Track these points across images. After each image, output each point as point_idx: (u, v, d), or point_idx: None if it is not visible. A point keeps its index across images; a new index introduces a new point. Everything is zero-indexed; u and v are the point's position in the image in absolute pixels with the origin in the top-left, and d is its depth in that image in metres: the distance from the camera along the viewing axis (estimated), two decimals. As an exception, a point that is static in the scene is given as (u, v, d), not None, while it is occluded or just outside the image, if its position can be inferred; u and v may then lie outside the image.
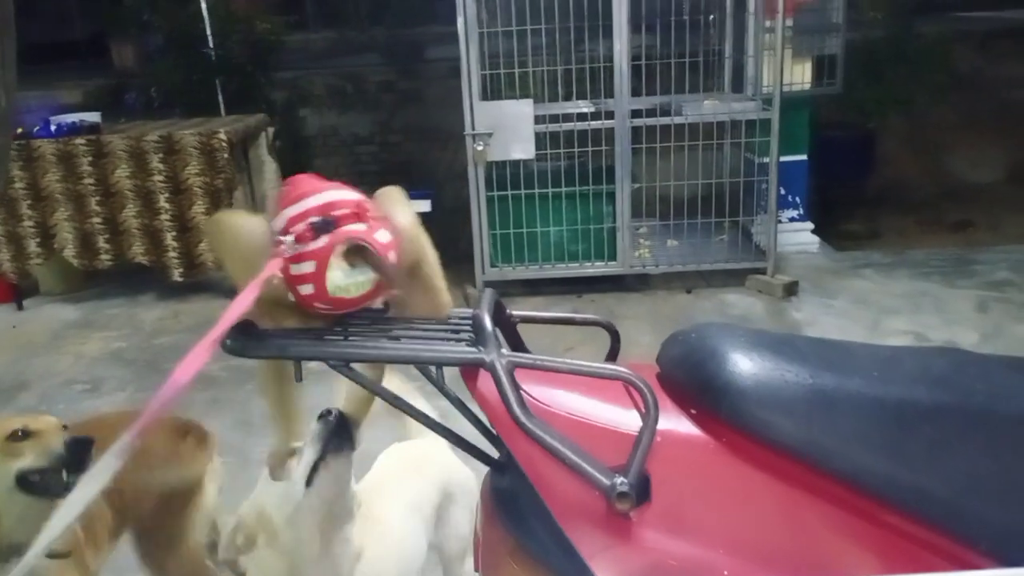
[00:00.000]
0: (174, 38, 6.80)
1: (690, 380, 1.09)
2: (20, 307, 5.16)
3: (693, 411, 1.09)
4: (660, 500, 1.01)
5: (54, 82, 7.07)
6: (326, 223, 1.10)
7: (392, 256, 1.12)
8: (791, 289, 4.83)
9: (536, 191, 4.86)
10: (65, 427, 1.65)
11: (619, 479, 0.99)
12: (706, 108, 4.97)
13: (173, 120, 5.62)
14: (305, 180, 1.19)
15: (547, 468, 1.03)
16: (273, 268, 1.09)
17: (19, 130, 4.96)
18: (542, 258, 4.99)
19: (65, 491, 1.53)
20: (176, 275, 5.02)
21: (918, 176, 6.99)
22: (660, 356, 1.20)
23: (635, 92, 4.84)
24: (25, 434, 1.60)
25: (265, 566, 1.52)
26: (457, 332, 1.21)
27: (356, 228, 1.10)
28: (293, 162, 6.15)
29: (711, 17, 5.05)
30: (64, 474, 1.56)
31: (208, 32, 6.38)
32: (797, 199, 5.57)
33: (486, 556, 1.20)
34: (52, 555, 1.61)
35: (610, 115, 4.83)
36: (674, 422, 1.06)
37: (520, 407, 1.03)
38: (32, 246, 5.00)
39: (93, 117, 5.18)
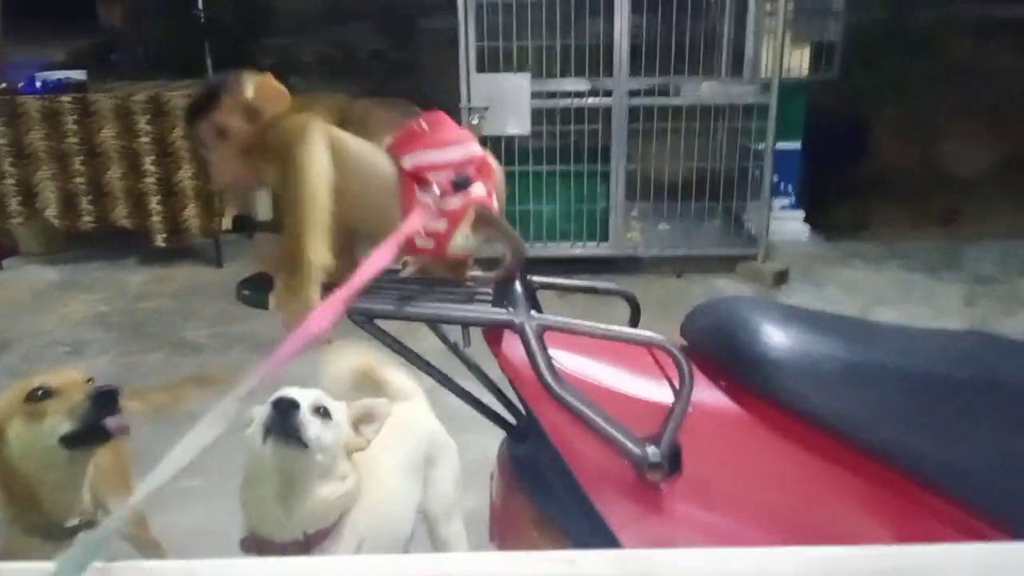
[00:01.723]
0: (163, -1, 6.66)
1: (722, 351, 1.06)
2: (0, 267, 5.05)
3: (722, 383, 1.06)
4: (691, 472, 0.99)
5: (38, 38, 6.89)
6: (463, 181, 1.09)
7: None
8: (781, 277, 4.83)
9: (530, 168, 4.81)
10: (90, 380, 1.56)
11: (651, 449, 0.97)
12: (704, 90, 4.94)
13: (161, 82, 5.50)
14: (448, 123, 1.15)
15: (575, 436, 1.00)
16: (416, 224, 1.05)
17: (3, 85, 4.84)
18: (533, 236, 4.94)
19: (96, 440, 1.49)
20: (159, 240, 4.93)
21: (909, 166, 7.00)
22: (685, 327, 1.18)
23: (633, 72, 4.79)
24: (46, 393, 1.51)
25: (246, 502, 1.58)
26: (473, 296, 1.18)
27: (479, 192, 1.11)
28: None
29: (713, -2, 5.00)
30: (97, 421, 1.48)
31: (199, -7, 6.25)
32: (789, 187, 5.57)
33: (504, 525, 1.17)
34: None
35: (607, 93, 4.78)
36: (704, 393, 1.04)
37: (550, 372, 1.00)
38: (13, 205, 4.88)
39: (79, 75, 5.05)
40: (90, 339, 4.09)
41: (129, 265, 5.12)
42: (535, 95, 4.74)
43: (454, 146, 1.11)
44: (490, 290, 1.21)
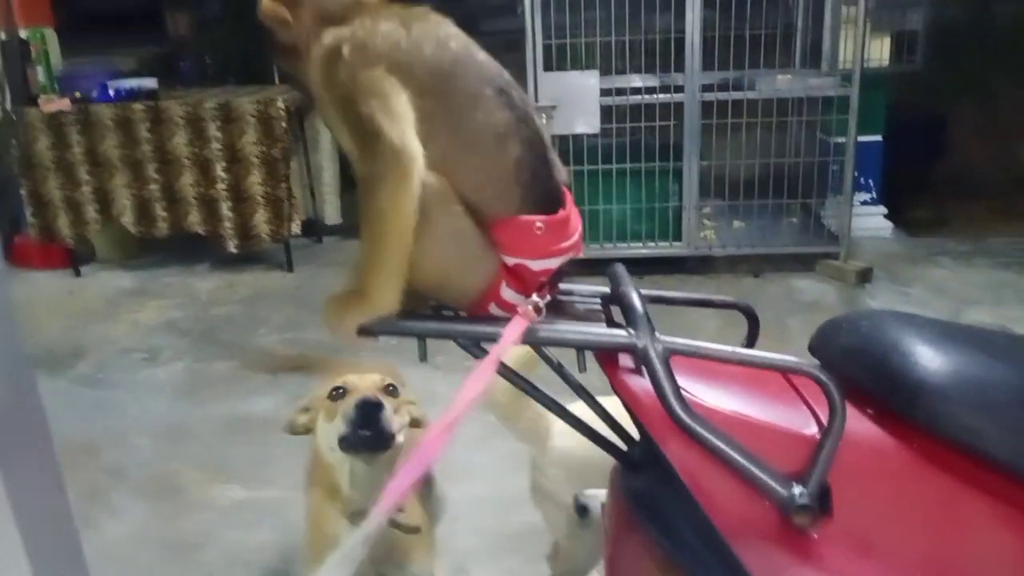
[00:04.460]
0: (229, 6, 6.72)
1: (870, 375, 0.95)
2: (77, 273, 5.14)
3: (869, 411, 0.95)
4: (843, 515, 0.88)
5: (109, 48, 7.02)
6: (559, 276, 1.05)
7: None
8: (864, 276, 4.62)
9: (599, 167, 4.69)
10: (389, 387, 1.59)
11: (797, 489, 0.86)
12: (780, 83, 4.76)
13: (229, 88, 5.54)
14: (568, 225, 1.02)
15: (708, 473, 0.90)
16: (515, 337, 0.96)
17: (77, 94, 4.92)
18: (603, 237, 4.83)
19: (359, 450, 1.53)
20: (231, 246, 4.95)
21: (991, 161, 6.67)
22: (819, 346, 1.06)
23: (705, 66, 4.64)
24: (342, 392, 1.56)
25: None
26: (586, 313, 1.08)
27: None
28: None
29: (789, -13, 4.81)
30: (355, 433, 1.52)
31: (264, 0, 6.29)
32: (870, 182, 5.34)
33: (622, 566, 1.07)
34: (400, 527, 1.62)
35: (678, 89, 4.64)
36: (851, 424, 0.92)
37: (678, 401, 0.90)
38: (90, 212, 4.96)
39: (150, 83, 5.11)
40: (163, 345, 4.12)
41: (201, 271, 5.17)
42: (604, 92, 4.62)
43: (564, 255, 1.02)
44: (600, 305, 1.11)
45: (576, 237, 1.03)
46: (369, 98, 0.94)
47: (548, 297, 1.00)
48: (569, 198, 1.03)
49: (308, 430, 1.64)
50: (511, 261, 0.99)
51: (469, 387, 0.90)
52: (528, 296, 1.00)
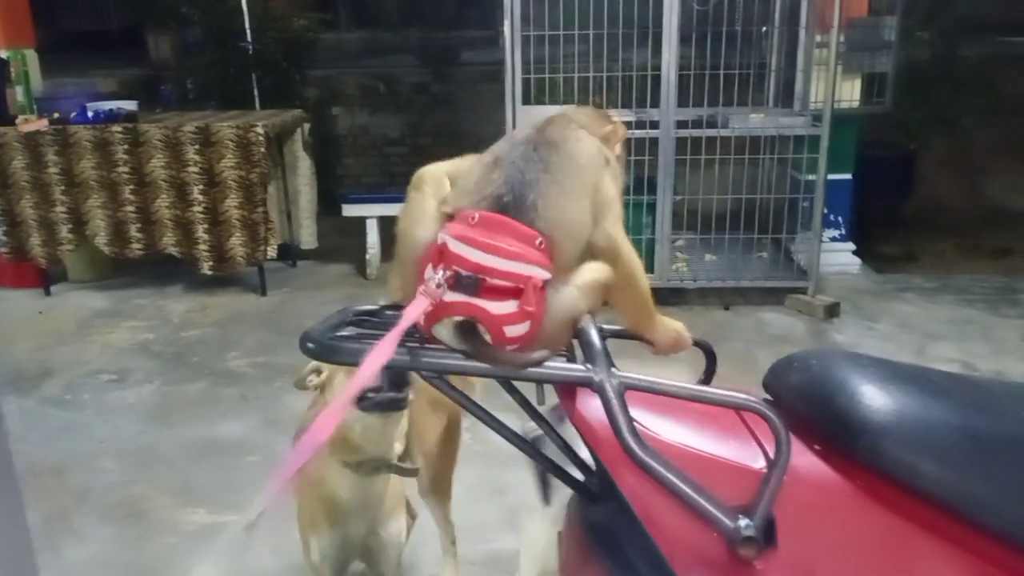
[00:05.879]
0: (212, 32, 6.76)
1: (817, 413, 0.99)
2: (48, 293, 5.11)
3: (816, 447, 0.98)
4: (787, 547, 0.91)
5: (90, 70, 7.05)
6: (471, 283, 1.00)
7: (518, 332, 1.02)
8: (832, 311, 4.71)
9: (575, 199, 4.75)
10: None
11: (744, 521, 0.89)
12: (753, 122, 4.86)
13: (209, 112, 5.57)
14: (501, 233, 1.02)
15: (659, 505, 0.93)
16: (414, 314, 0.98)
17: (56, 115, 4.92)
18: (577, 267, 4.87)
19: (383, 408, 1.64)
20: (205, 268, 4.95)
21: (958, 199, 6.84)
22: (771, 383, 1.10)
23: (680, 103, 4.74)
24: None
25: None
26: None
27: (492, 309, 1.00)
28: (323, 160, 6.09)
29: (763, 29, 4.92)
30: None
31: (247, 27, 6.34)
32: (839, 219, 5.45)
33: (577, 596, 1.09)
34: (401, 471, 1.83)
35: (653, 125, 4.73)
36: (798, 459, 0.96)
37: (632, 435, 0.93)
38: (64, 232, 4.94)
39: (130, 105, 5.12)
40: (134, 367, 4.10)
41: (174, 293, 5.16)
42: (580, 126, 4.69)
43: (490, 255, 1.00)
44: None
45: (511, 261, 1.01)
46: None
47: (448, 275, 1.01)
48: (529, 234, 1.03)
49: (317, 388, 1.78)
50: (440, 239, 1.03)
51: (367, 363, 0.95)
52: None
